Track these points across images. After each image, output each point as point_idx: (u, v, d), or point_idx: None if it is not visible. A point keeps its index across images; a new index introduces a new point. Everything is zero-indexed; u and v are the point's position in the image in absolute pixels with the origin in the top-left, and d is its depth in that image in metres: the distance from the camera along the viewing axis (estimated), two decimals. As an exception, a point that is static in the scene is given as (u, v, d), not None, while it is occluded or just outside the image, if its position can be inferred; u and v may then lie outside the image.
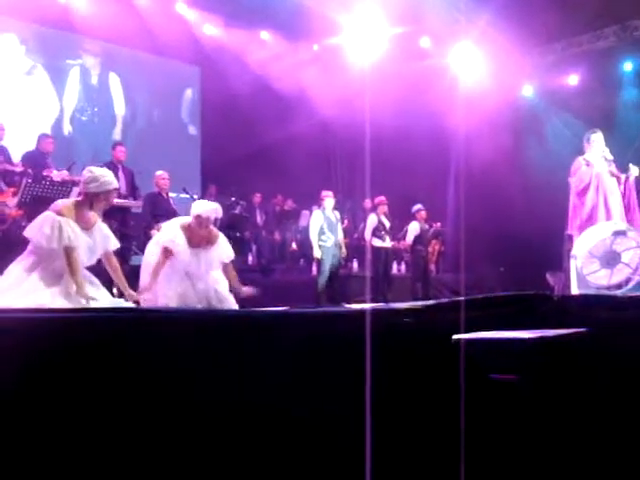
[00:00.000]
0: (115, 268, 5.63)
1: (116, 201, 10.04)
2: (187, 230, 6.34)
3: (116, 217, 10.04)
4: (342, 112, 13.53)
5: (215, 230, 6.60)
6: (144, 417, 2.55)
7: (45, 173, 9.20)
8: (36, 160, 9.25)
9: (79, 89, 14.07)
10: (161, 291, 6.22)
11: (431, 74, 14.36)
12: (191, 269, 6.34)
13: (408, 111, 13.64)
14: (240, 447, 2.57)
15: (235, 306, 6.36)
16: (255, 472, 2.56)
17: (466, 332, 2.73)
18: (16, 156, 9.43)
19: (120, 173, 10.36)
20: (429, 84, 14.11)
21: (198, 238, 6.37)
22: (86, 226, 5.32)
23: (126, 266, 8.36)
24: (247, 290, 6.68)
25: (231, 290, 6.51)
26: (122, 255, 9.26)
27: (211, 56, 14.63)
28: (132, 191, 10.46)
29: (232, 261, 6.83)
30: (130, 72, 14.66)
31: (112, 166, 10.48)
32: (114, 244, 5.67)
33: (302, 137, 13.86)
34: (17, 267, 5.20)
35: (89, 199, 5.36)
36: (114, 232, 8.76)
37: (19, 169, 8.99)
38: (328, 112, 13.99)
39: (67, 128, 13.73)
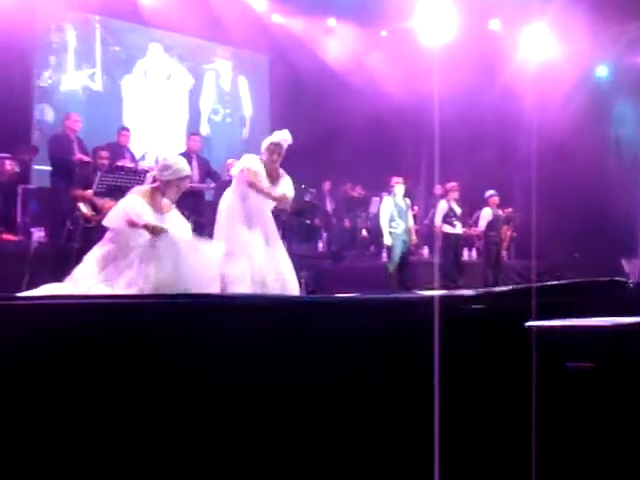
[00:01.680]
0: None
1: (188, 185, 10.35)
2: (264, 163, 6.25)
3: (188, 204, 10.25)
4: (411, 97, 13.41)
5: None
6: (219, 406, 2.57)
7: (119, 164, 9.43)
8: (114, 152, 9.54)
9: (214, 92, 15.10)
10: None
11: (501, 57, 14.11)
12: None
13: (478, 95, 13.44)
14: (312, 436, 2.58)
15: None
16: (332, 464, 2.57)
17: (539, 319, 2.68)
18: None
19: (194, 162, 10.61)
20: (499, 67, 13.88)
21: (273, 173, 6.28)
22: (159, 212, 5.44)
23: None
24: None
25: None
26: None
27: (278, 44, 14.72)
28: (205, 179, 10.66)
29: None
30: (254, 74, 15.79)
31: (186, 156, 10.74)
32: (186, 234, 5.74)
33: (371, 123, 13.79)
34: (94, 254, 5.35)
35: (163, 186, 5.49)
36: (186, 218, 8.94)
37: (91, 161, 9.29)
38: (397, 98, 13.89)
39: (205, 129, 14.50)
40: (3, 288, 6.85)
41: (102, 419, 2.51)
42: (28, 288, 5.86)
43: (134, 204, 5.35)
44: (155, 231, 5.23)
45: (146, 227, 5.22)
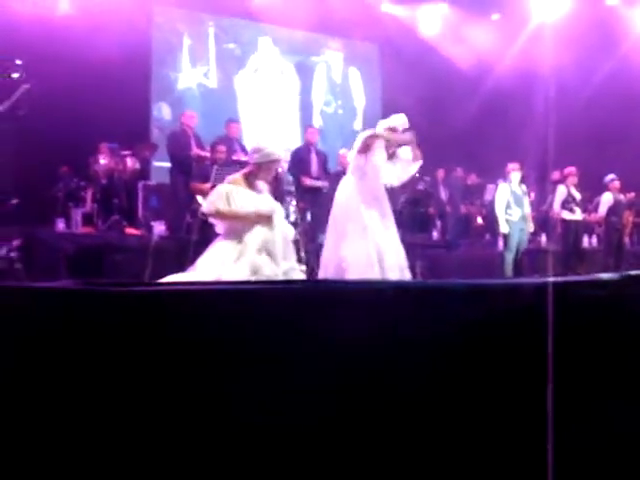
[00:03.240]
0: None
1: (307, 181, 10.49)
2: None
3: (307, 198, 10.40)
4: (524, 82, 13.11)
5: None
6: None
7: (234, 157, 9.60)
8: (225, 145, 9.71)
9: (326, 84, 15.36)
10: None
11: (618, 33, 13.59)
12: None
13: (594, 76, 12.99)
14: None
15: None
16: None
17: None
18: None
19: (312, 155, 10.76)
20: (618, 43, 13.37)
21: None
22: (258, 192, 5.57)
23: (312, 245, 8.56)
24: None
25: None
26: (311, 234, 9.57)
27: (388, 33, 14.67)
28: (324, 173, 10.76)
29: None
30: (365, 64, 15.86)
31: (305, 148, 10.90)
32: (280, 213, 5.82)
33: (485, 109, 13.56)
34: (216, 248, 5.51)
35: (255, 170, 5.57)
36: (304, 211, 9.02)
37: (208, 155, 9.49)
38: (511, 82, 13.60)
39: (317, 122, 14.80)
40: (127, 280, 7.13)
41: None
42: (151, 280, 6.07)
43: (221, 192, 5.47)
44: (261, 218, 5.36)
45: (255, 214, 5.37)
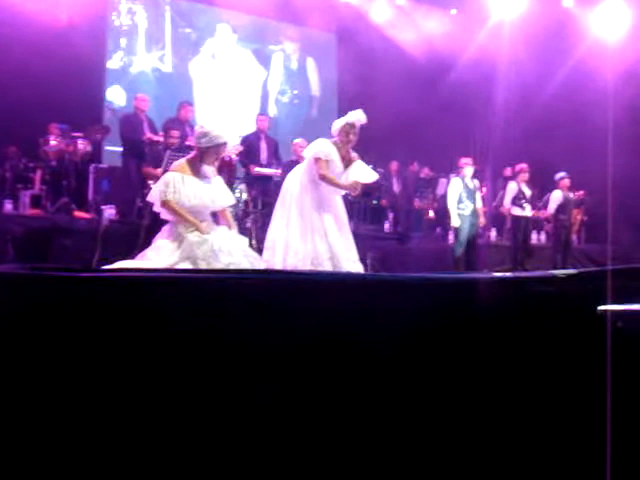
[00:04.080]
0: (230, 224, 5.74)
1: (256, 170, 10.45)
2: (336, 145, 6.13)
3: (257, 186, 10.36)
4: (480, 77, 13.23)
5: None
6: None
7: (187, 143, 9.50)
8: (178, 129, 9.60)
9: (282, 73, 15.24)
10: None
11: (573, 34, 13.79)
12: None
13: (549, 74, 13.16)
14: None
15: None
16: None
17: (613, 304, 2.60)
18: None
19: (262, 142, 10.75)
20: (572, 44, 13.57)
21: (346, 156, 6.16)
22: (204, 179, 5.54)
23: (263, 233, 8.51)
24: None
25: None
26: (263, 222, 9.52)
27: (346, 23, 14.65)
28: (275, 160, 10.72)
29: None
30: (321, 54, 15.80)
31: (255, 136, 10.85)
32: (229, 200, 5.82)
33: (440, 103, 13.64)
34: (160, 237, 5.47)
35: (200, 154, 5.53)
36: (255, 199, 8.97)
37: (161, 139, 9.39)
38: (466, 77, 13.71)
39: (272, 110, 14.84)
40: (75, 264, 7.02)
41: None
42: (99, 264, 5.98)
43: (168, 181, 5.43)
44: (199, 229, 5.33)
45: (189, 222, 5.34)
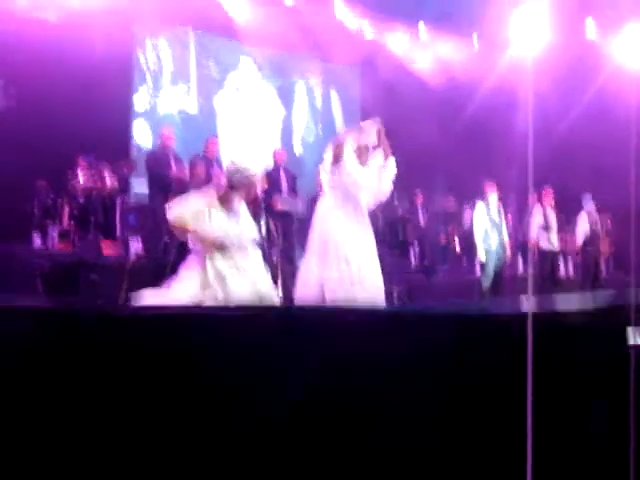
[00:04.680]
0: None
1: (279, 206, 10.45)
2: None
3: (278, 221, 10.37)
4: (501, 105, 13.22)
5: None
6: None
7: (216, 181, 9.56)
8: (204, 165, 9.68)
9: (307, 110, 15.22)
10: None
11: (596, 62, 13.80)
12: None
13: (573, 101, 13.15)
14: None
15: None
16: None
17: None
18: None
19: (282, 174, 10.73)
20: (594, 72, 13.57)
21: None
22: (233, 213, 5.52)
23: (289, 266, 8.54)
24: None
25: None
26: (289, 257, 9.53)
27: (369, 57, 14.73)
28: (293, 194, 10.73)
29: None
30: (345, 87, 15.71)
31: (274, 171, 10.88)
32: (253, 232, 5.80)
33: (461, 133, 13.66)
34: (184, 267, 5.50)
35: (230, 189, 5.54)
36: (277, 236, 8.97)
37: (187, 177, 9.48)
38: (487, 105, 13.71)
39: (298, 149, 14.71)
40: (104, 299, 7.08)
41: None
42: (126, 299, 6.02)
43: (191, 206, 5.45)
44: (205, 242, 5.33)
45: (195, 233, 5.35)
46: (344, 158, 6.00)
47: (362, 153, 6.13)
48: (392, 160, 6.25)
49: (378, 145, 6.20)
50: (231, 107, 14.26)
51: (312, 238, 6.15)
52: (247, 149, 13.76)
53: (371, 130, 6.18)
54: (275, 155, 11.19)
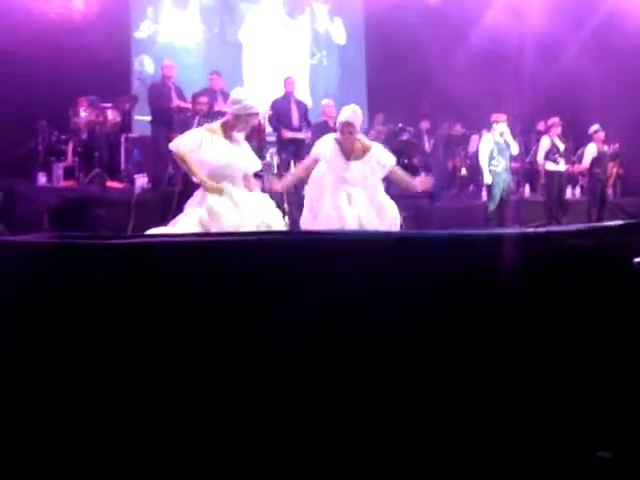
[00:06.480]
0: (252, 189, 5.73)
1: (288, 134, 10.45)
2: (338, 141, 6.12)
3: (289, 149, 10.37)
4: (510, 33, 13.03)
5: (366, 141, 6.36)
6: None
7: (216, 108, 9.52)
8: (208, 97, 9.61)
9: (309, 35, 15.14)
10: (317, 206, 6.16)
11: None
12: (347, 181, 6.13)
13: (579, 28, 12.93)
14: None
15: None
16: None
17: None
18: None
19: (292, 105, 10.72)
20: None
21: (349, 149, 6.11)
22: (235, 143, 5.53)
23: (296, 196, 8.53)
24: (422, 181, 6.61)
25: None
26: (295, 185, 9.53)
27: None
28: (305, 123, 10.71)
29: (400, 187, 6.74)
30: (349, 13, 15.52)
31: (284, 99, 10.82)
32: (256, 165, 5.80)
33: (470, 60, 13.45)
34: (191, 202, 5.51)
35: (232, 119, 5.52)
36: (287, 163, 8.96)
37: (189, 107, 9.42)
38: (496, 34, 13.47)
39: (303, 72, 14.64)
40: (109, 233, 7.09)
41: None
42: (133, 232, 6.04)
43: (194, 137, 5.43)
44: (211, 190, 5.32)
45: (203, 183, 5.34)
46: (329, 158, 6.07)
47: (351, 149, 6.10)
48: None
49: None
50: (242, 37, 14.11)
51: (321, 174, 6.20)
52: (256, 82, 13.63)
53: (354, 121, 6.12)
54: (285, 84, 11.08)
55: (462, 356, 2.56)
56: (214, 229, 5.19)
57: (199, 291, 2.55)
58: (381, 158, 6.17)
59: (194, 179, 5.47)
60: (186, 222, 5.28)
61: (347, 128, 6.05)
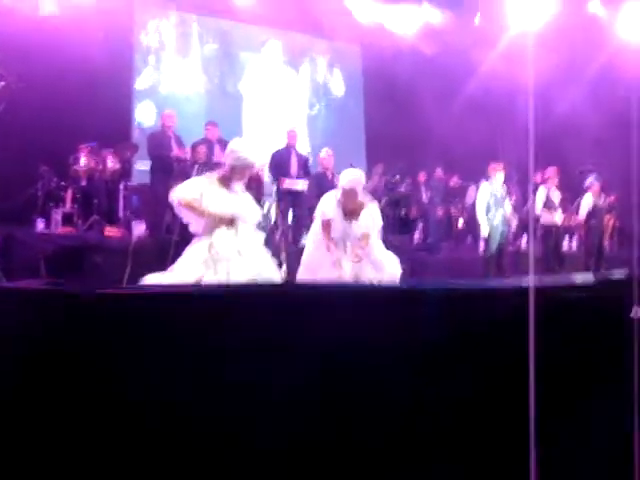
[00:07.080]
0: None
1: (286, 183, 10.50)
2: (340, 202, 6.32)
3: (287, 199, 10.42)
4: (505, 83, 13.16)
5: (364, 200, 6.49)
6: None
7: (216, 160, 9.58)
8: (205, 147, 9.69)
9: (309, 87, 15.36)
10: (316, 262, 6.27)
11: (599, 37, 13.71)
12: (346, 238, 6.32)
13: (576, 78, 13.07)
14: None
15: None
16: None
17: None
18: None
19: (293, 157, 10.83)
20: (597, 47, 13.49)
21: (350, 209, 6.32)
22: (234, 194, 5.55)
23: (295, 248, 8.55)
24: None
25: None
26: (293, 236, 9.59)
27: (370, 34, 14.65)
28: (305, 175, 10.79)
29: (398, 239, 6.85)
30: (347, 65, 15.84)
31: (285, 150, 10.94)
32: (256, 215, 5.81)
33: (467, 110, 13.57)
34: (193, 247, 5.51)
35: (228, 171, 5.56)
36: (285, 213, 8.98)
37: (188, 156, 9.49)
38: (491, 85, 13.63)
39: (301, 123, 14.79)
40: (107, 280, 7.08)
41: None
42: (129, 281, 6.02)
43: (194, 185, 5.48)
44: (222, 218, 5.34)
45: (214, 215, 5.36)
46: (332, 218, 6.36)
47: (352, 209, 6.36)
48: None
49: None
50: (243, 90, 14.28)
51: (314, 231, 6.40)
52: (255, 133, 13.77)
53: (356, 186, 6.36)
54: (288, 136, 11.21)
55: (455, 408, 2.54)
56: (217, 267, 5.20)
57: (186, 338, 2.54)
58: (375, 217, 6.37)
59: (197, 223, 5.46)
60: (186, 269, 5.27)
61: (352, 194, 6.25)
